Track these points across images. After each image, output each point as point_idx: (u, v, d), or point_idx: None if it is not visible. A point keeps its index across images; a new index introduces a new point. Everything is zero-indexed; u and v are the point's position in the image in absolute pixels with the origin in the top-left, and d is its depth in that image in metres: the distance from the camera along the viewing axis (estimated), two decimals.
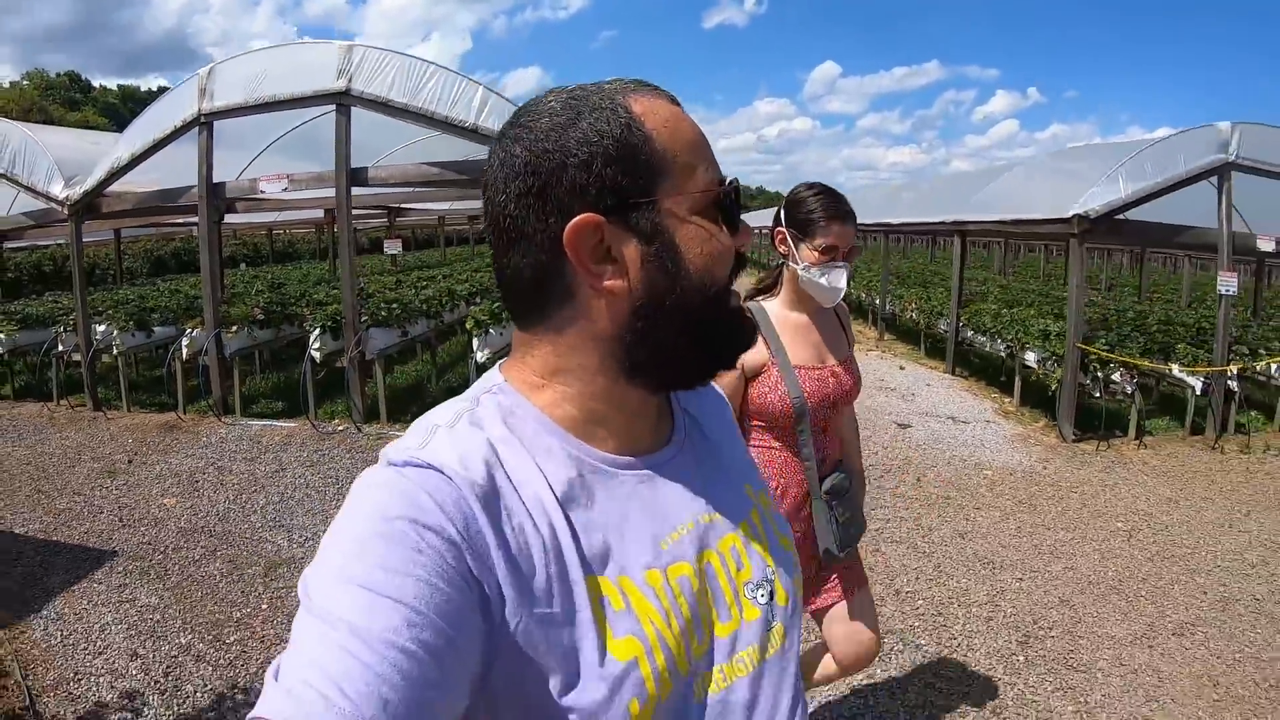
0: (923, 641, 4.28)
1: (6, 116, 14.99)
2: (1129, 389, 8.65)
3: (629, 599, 0.85)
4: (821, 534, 2.59)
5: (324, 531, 3.07)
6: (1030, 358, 9.84)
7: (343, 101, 7.50)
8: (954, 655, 4.19)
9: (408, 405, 8.43)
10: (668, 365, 0.92)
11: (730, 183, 0.94)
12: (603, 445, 0.93)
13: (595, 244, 0.87)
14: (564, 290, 0.89)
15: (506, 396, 0.93)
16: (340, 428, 7.59)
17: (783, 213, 2.59)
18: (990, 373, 11.88)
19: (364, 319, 8.04)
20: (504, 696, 0.78)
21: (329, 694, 0.62)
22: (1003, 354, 10.99)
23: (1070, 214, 8.59)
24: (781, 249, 2.57)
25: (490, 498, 0.80)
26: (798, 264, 2.52)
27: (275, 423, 7.78)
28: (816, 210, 2.49)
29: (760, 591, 0.99)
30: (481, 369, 7.81)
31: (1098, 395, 9.00)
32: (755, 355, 2.52)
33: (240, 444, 7.09)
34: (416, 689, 0.65)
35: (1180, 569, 5.27)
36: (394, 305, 9.01)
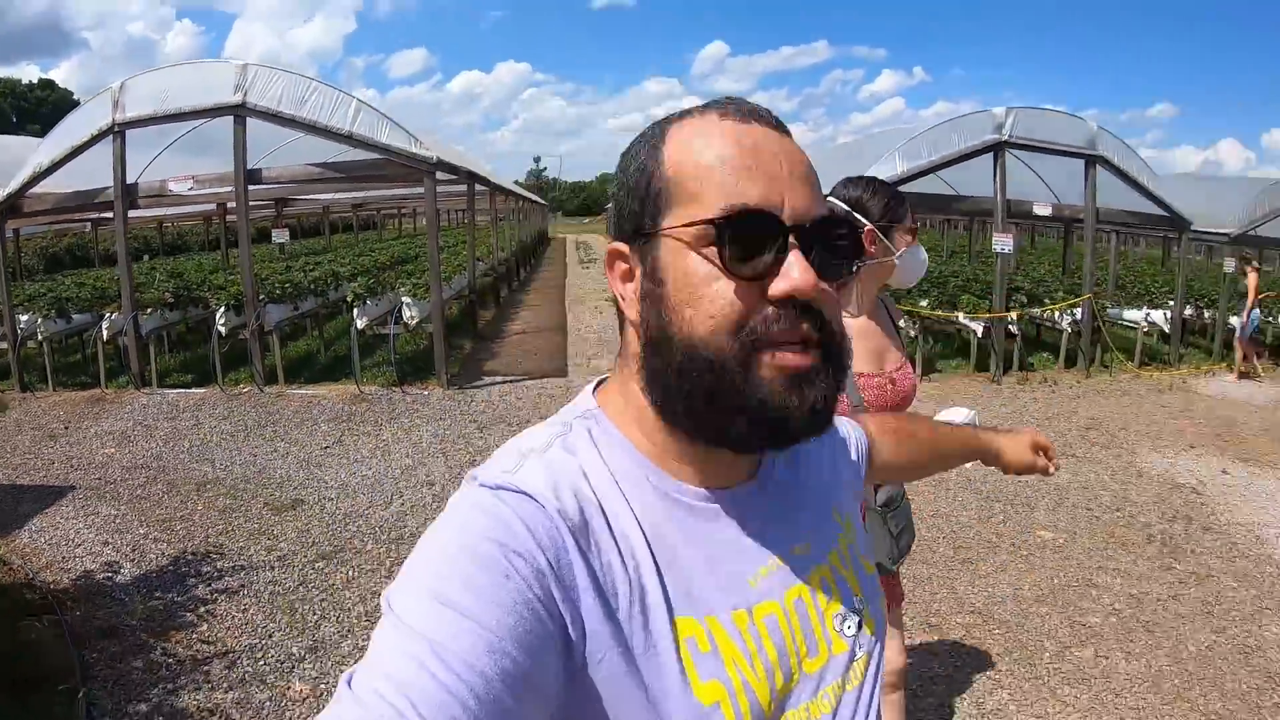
0: None
1: None
2: (912, 333, 10.42)
3: (715, 640, 0.80)
4: (877, 547, 2.48)
5: (248, 465, 4.39)
6: None
7: (239, 113, 8.47)
8: None
9: (301, 370, 9.47)
10: (678, 418, 0.83)
11: (738, 211, 0.76)
12: (686, 478, 0.86)
13: (622, 270, 0.86)
14: (615, 296, 0.88)
15: (598, 424, 0.88)
16: (245, 390, 8.56)
17: (867, 210, 2.45)
18: None
19: (261, 297, 9.00)
20: None
21: (402, 708, 0.61)
22: None
23: None
24: (872, 247, 2.44)
25: (581, 529, 0.77)
26: (894, 253, 2.44)
27: (189, 390, 8.70)
28: (892, 200, 2.47)
29: (848, 623, 0.93)
30: (362, 334, 9.08)
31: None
32: None
33: (161, 408, 8.00)
34: (490, 713, 0.63)
35: None
36: (286, 285, 9.98)
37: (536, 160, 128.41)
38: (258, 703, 3.39)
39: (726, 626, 0.82)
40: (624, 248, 0.86)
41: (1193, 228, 13.60)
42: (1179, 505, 6.25)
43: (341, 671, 3.47)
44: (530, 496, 0.76)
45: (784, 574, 0.89)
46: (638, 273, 0.84)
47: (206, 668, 3.56)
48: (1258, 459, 7.75)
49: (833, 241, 0.82)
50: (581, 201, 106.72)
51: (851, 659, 0.91)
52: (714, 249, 0.77)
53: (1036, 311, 11.33)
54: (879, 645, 0.97)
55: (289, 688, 3.45)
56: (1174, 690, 3.87)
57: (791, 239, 0.77)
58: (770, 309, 0.77)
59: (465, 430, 7.28)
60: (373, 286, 9.99)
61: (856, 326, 2.43)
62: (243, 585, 4.31)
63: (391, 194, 21.78)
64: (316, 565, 4.56)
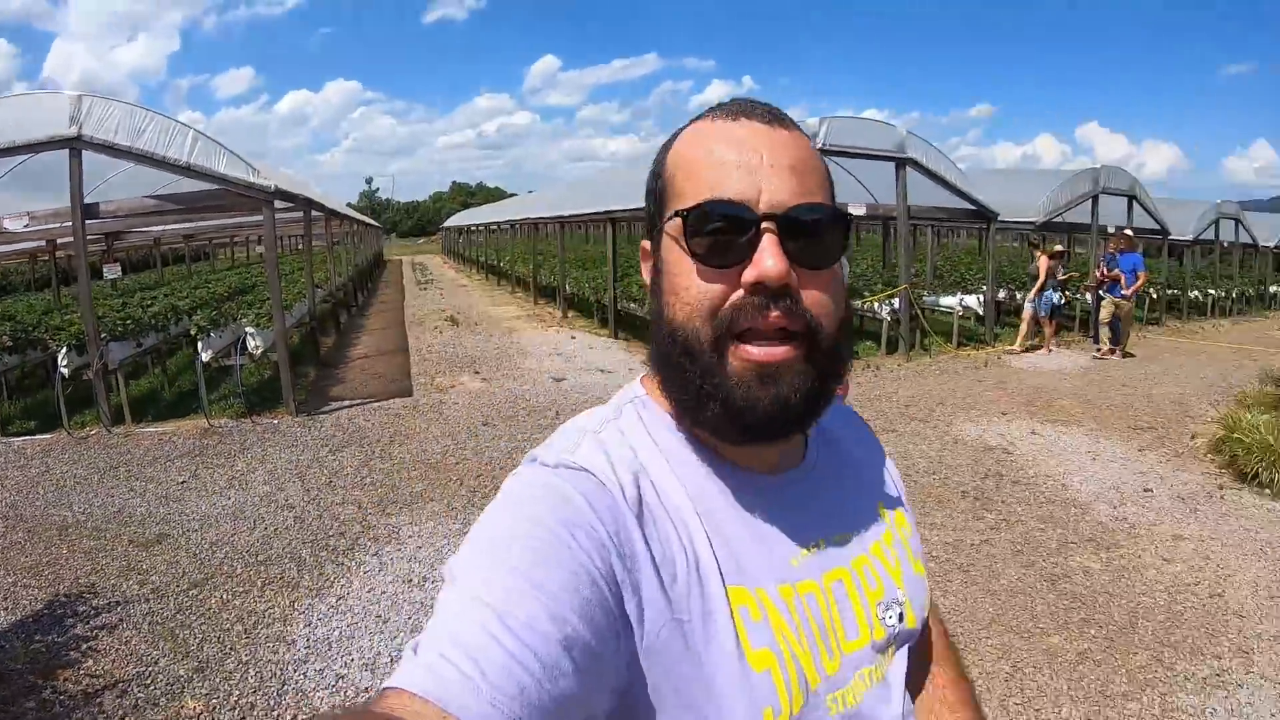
0: None
1: None
2: None
3: (766, 610, 0.85)
4: None
5: (106, 506, 4.59)
6: None
7: (75, 145, 8.21)
8: None
9: (147, 407, 9.33)
10: (674, 399, 0.90)
11: (703, 201, 0.83)
12: (737, 461, 0.92)
13: (650, 263, 0.94)
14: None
15: (646, 408, 0.94)
16: (93, 431, 8.43)
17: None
18: (642, 332, 13.87)
19: (103, 335, 8.82)
20: (644, 700, 0.77)
21: (469, 672, 0.63)
22: (647, 315, 13.27)
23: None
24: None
25: (637, 503, 0.81)
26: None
27: (34, 436, 8.46)
28: None
29: (890, 613, 0.97)
30: (207, 367, 9.04)
31: None
32: None
33: (8, 457, 7.73)
34: (553, 679, 0.65)
35: None
36: (128, 321, 9.77)
37: (369, 181, 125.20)
38: None
39: (774, 599, 0.86)
40: (647, 244, 0.95)
41: (1000, 218, 15.25)
42: (990, 465, 7.14)
43: (230, 686, 3.78)
44: (589, 472, 0.81)
45: (824, 557, 0.94)
46: (654, 266, 0.92)
47: (99, 700, 3.70)
48: (1064, 420, 8.94)
49: (815, 231, 0.84)
50: (415, 221, 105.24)
51: (888, 646, 0.96)
52: (692, 241, 0.83)
53: (857, 303, 12.23)
54: (919, 639, 1.04)
55: (183, 706, 3.66)
56: (988, 616, 4.52)
57: (765, 225, 0.81)
58: (741, 296, 0.82)
59: (319, 454, 7.44)
60: (215, 318, 9.93)
61: None
62: (121, 620, 4.42)
63: (225, 223, 21.36)
64: (190, 593, 4.70)
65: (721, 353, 0.83)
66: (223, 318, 10.43)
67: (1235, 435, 7.87)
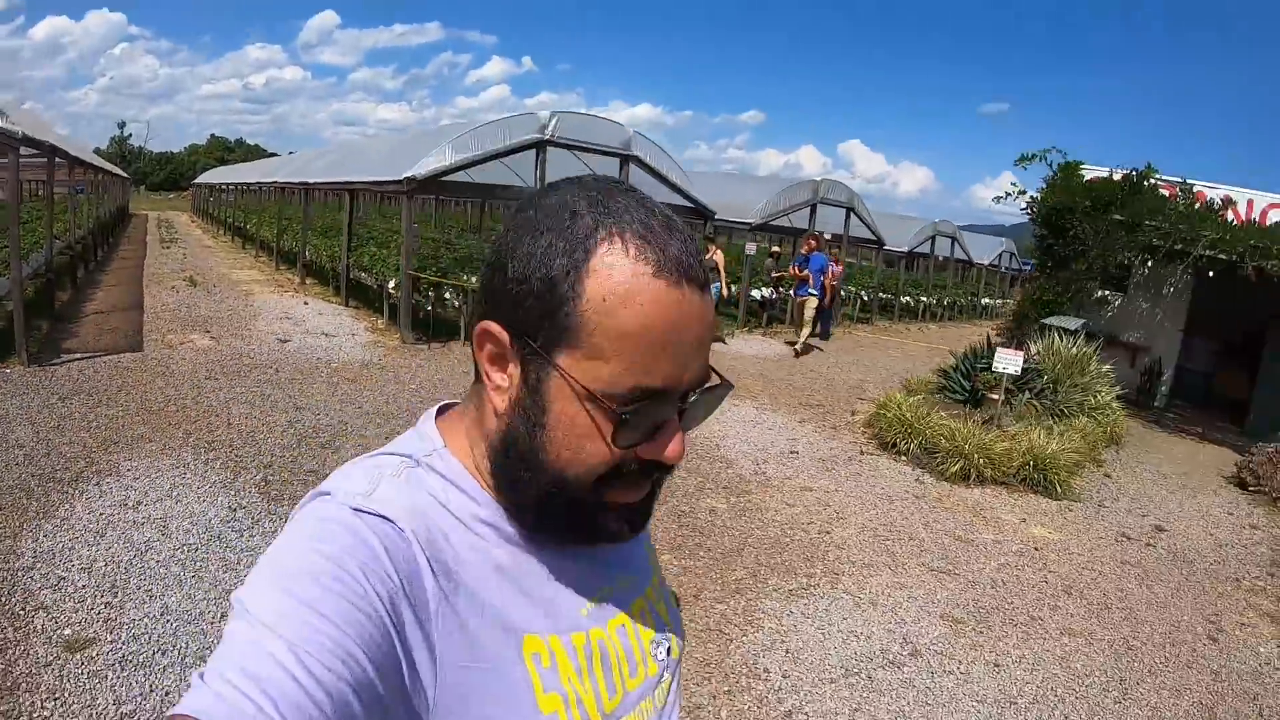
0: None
1: None
2: (457, 304, 12.41)
3: (555, 657, 0.89)
4: None
5: None
6: (392, 286, 13.10)
7: None
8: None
9: None
10: (518, 511, 0.91)
11: (642, 397, 0.81)
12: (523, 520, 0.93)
13: (495, 352, 0.87)
14: (481, 370, 0.90)
15: (445, 462, 0.92)
16: None
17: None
18: (374, 301, 14.88)
19: None
20: None
21: (262, 705, 0.62)
22: (375, 285, 14.23)
23: (403, 176, 11.90)
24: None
25: (435, 554, 0.82)
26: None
27: None
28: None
29: (660, 649, 1.03)
30: None
31: (441, 311, 12.76)
32: None
33: None
34: (341, 718, 0.66)
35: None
36: None
37: (121, 126, 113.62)
38: None
39: (565, 646, 0.90)
40: (502, 335, 0.85)
41: (717, 217, 17.12)
42: None
43: None
44: (389, 520, 0.80)
45: (613, 603, 0.99)
46: (514, 375, 0.86)
47: None
48: (742, 395, 10.73)
49: (706, 403, 0.89)
50: (168, 174, 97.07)
51: (660, 679, 1.02)
52: (605, 414, 0.81)
53: None
54: (678, 668, 1.09)
55: None
56: None
57: (679, 410, 0.85)
58: (636, 466, 0.86)
59: (49, 401, 7.92)
60: None
61: None
62: None
63: None
64: None
65: (599, 499, 0.87)
66: None
67: (881, 412, 9.71)
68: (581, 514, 0.88)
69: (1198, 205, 13.93)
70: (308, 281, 18.70)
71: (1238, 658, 5.32)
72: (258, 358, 10.55)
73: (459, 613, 0.83)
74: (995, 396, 9.82)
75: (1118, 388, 11.87)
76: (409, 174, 11.85)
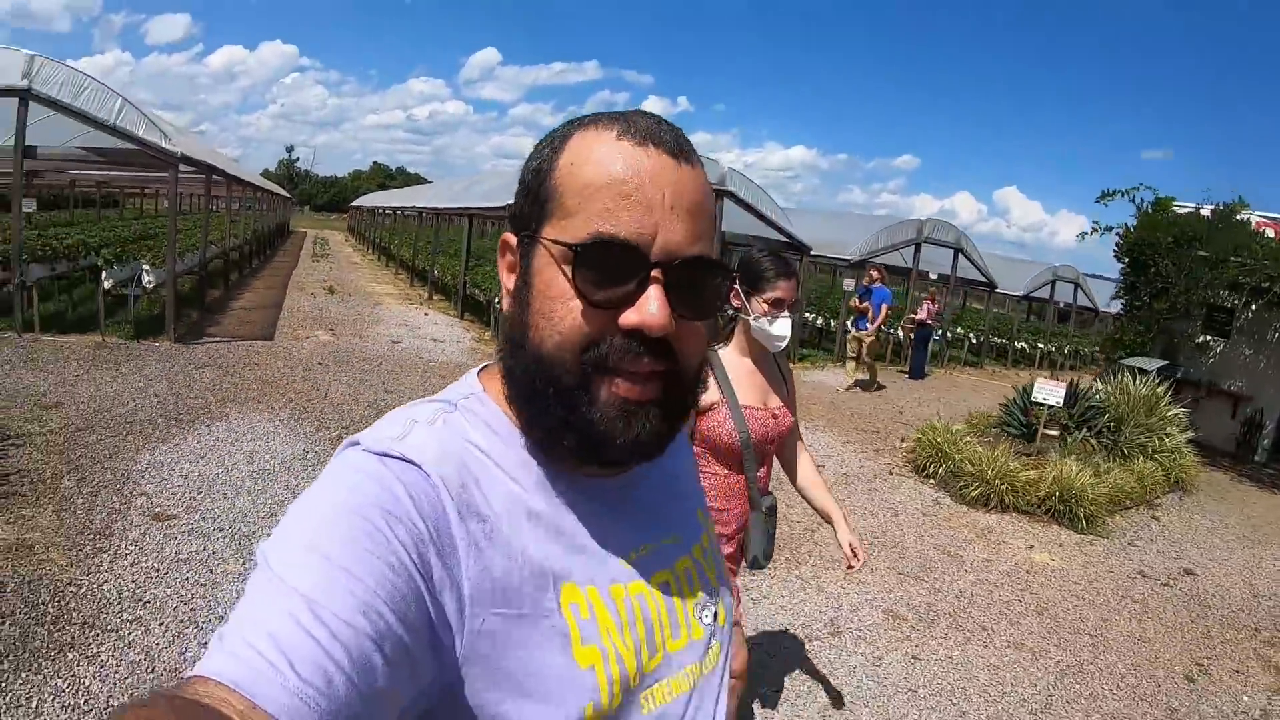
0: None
1: None
2: None
3: (594, 609, 0.85)
4: (755, 544, 2.81)
5: (16, 384, 7.12)
6: (498, 300, 14.19)
7: (25, 97, 9.71)
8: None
9: (53, 324, 11.00)
10: (522, 414, 0.88)
11: (600, 241, 0.79)
12: (563, 462, 0.89)
13: (509, 260, 0.90)
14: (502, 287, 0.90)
15: (482, 404, 0.91)
16: (5, 335, 10.07)
17: (738, 271, 2.79)
18: (484, 315, 16.18)
19: (24, 257, 10.51)
20: (463, 695, 0.77)
21: (278, 664, 0.61)
22: (485, 301, 15.60)
23: (503, 204, 12.96)
24: (735, 302, 2.73)
25: (463, 498, 0.79)
26: (749, 314, 2.71)
27: None
28: (769, 269, 2.72)
29: (706, 612, 1.00)
30: (108, 294, 10.82)
31: None
32: (707, 394, 2.62)
33: None
34: (363, 674, 0.64)
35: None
36: (47, 248, 11.57)
37: (289, 150, 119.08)
38: None
39: (604, 598, 0.87)
40: (513, 240, 0.89)
41: (813, 252, 17.22)
42: None
43: (93, 478, 5.89)
44: (415, 464, 0.78)
45: (654, 559, 0.95)
46: (517, 270, 0.88)
47: (10, 479, 5.74)
48: (803, 417, 11.00)
49: (700, 282, 0.83)
50: (331, 196, 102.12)
51: (708, 645, 0.99)
52: (575, 271, 0.79)
53: None
54: (730, 635, 1.05)
55: (60, 483, 5.82)
56: None
57: (655, 273, 0.79)
58: (619, 338, 0.80)
59: (185, 369, 9.40)
60: (119, 254, 11.65)
61: (744, 366, 2.81)
62: (26, 444, 6.33)
63: (138, 175, 22.78)
64: (75, 435, 6.64)
65: (588, 387, 0.81)
66: (125, 255, 12.08)
67: (920, 438, 9.72)
68: (574, 408, 0.82)
69: None
70: (434, 297, 20.32)
71: (1210, 701, 4.99)
72: (368, 352, 11.89)
73: (490, 558, 0.79)
74: (1052, 432, 9.77)
75: (1196, 433, 11.18)
76: (508, 202, 12.82)
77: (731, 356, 2.82)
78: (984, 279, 22.43)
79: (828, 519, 2.99)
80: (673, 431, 0.88)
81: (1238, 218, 13.29)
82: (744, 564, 2.89)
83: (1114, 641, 5.62)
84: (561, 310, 0.81)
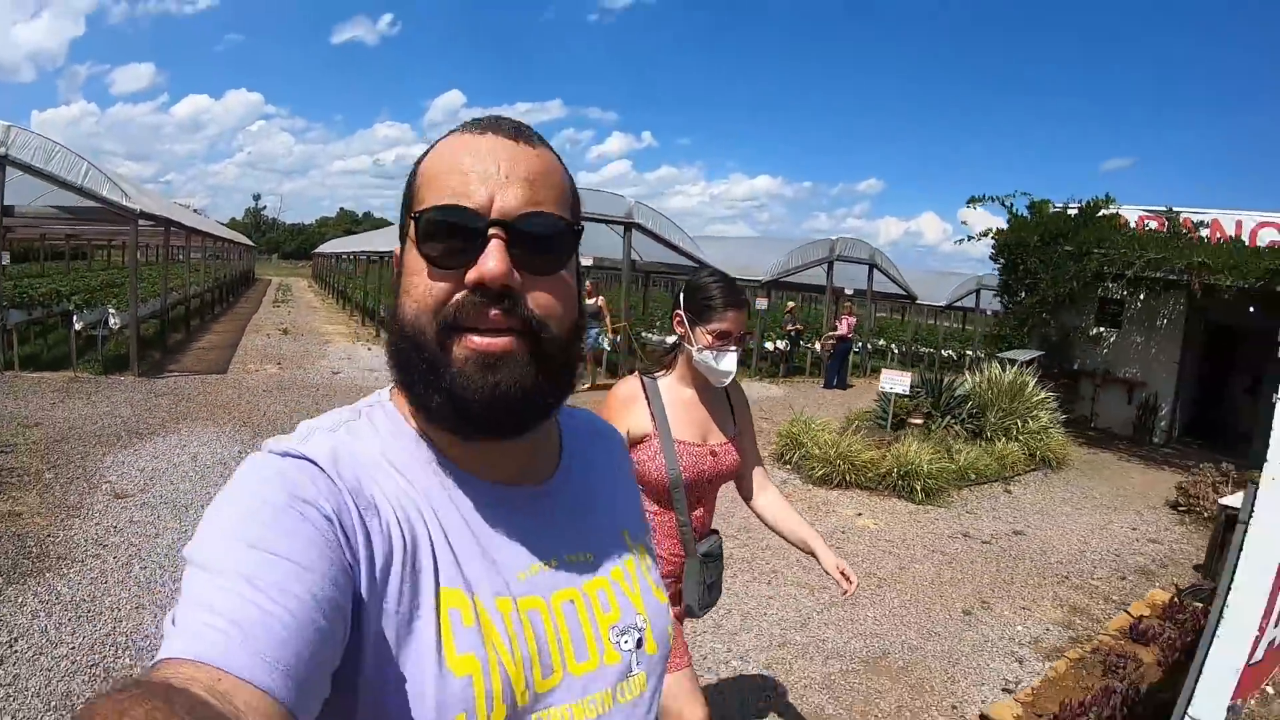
0: None
1: None
2: None
3: (479, 617, 0.83)
4: (688, 591, 2.62)
5: (1, 409, 8.42)
6: None
7: (1, 162, 11.01)
8: None
9: (29, 363, 12.32)
10: (406, 395, 0.90)
11: (428, 210, 0.84)
12: (473, 470, 0.91)
13: (397, 271, 0.91)
14: None
15: (386, 414, 0.93)
16: None
17: (682, 296, 2.58)
18: None
19: (4, 304, 11.78)
20: (355, 680, 0.77)
21: (230, 632, 0.63)
22: None
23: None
24: (679, 330, 2.56)
25: (358, 496, 0.81)
26: (693, 345, 2.51)
27: None
28: (716, 297, 2.49)
29: (626, 638, 0.96)
30: (79, 335, 12.19)
31: None
32: (639, 424, 2.52)
33: None
34: (309, 632, 0.67)
35: None
36: (25, 294, 12.95)
37: (256, 198, 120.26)
38: None
39: (489, 609, 0.84)
40: (398, 250, 0.91)
41: (918, 300, 18.94)
42: None
43: (71, 479, 7.28)
44: (313, 462, 0.80)
45: (555, 576, 0.92)
46: (397, 270, 0.91)
47: (0, 474, 7.23)
48: None
49: (543, 239, 0.85)
50: (299, 244, 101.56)
51: (626, 673, 0.95)
52: (423, 245, 0.84)
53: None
54: (661, 668, 1.02)
55: (41, 477, 7.22)
56: None
57: (493, 231, 0.82)
58: (464, 294, 0.83)
59: (147, 396, 10.82)
60: (88, 300, 13.07)
61: (685, 397, 2.60)
62: (11, 452, 7.70)
63: (104, 229, 24.10)
64: (53, 444, 8.02)
65: (445, 345, 0.83)
66: (94, 300, 13.47)
67: (781, 432, 10.34)
68: (436, 367, 0.84)
69: (1185, 231, 13.76)
70: (380, 334, 21.39)
71: (979, 630, 5.49)
72: (309, 381, 13.33)
73: (380, 556, 0.79)
74: (917, 421, 10.70)
75: (1096, 419, 12.25)
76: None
77: (672, 386, 2.62)
78: (903, 292, 23.24)
79: (808, 550, 2.76)
80: (544, 393, 0.88)
81: (1102, 213, 14.25)
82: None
83: (903, 584, 6.28)
84: (417, 281, 0.84)
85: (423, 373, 0.85)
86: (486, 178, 0.84)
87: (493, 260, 0.81)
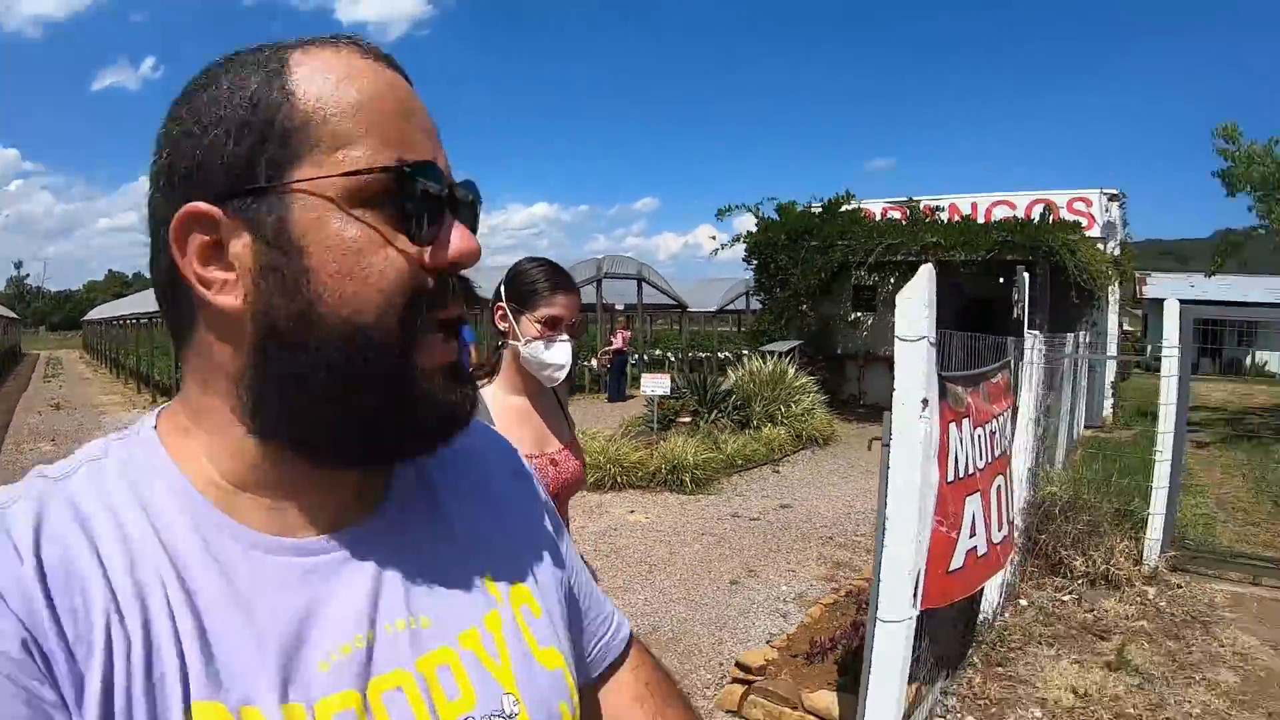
0: None
1: None
2: None
3: None
4: None
5: None
6: None
7: None
8: None
9: None
10: (309, 437, 0.62)
11: (415, 166, 0.61)
12: (257, 520, 0.63)
13: (204, 243, 0.59)
14: (189, 304, 0.62)
15: (143, 448, 0.64)
16: None
17: (503, 287, 2.20)
18: None
19: None
20: None
21: None
22: None
23: None
24: (502, 325, 2.18)
25: (68, 584, 0.54)
26: (519, 339, 2.13)
27: None
28: (540, 280, 2.16)
29: None
30: None
31: None
32: None
33: None
34: None
35: None
36: None
37: (18, 266, 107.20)
38: None
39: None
40: (211, 211, 0.59)
41: (690, 309, 24.17)
42: None
43: None
44: (9, 539, 0.54)
45: (377, 655, 0.64)
46: (243, 244, 0.59)
47: None
48: None
49: (477, 215, 0.69)
50: (67, 313, 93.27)
51: None
52: (380, 210, 0.60)
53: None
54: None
55: None
56: None
57: (451, 201, 0.65)
58: (433, 282, 0.63)
59: None
60: None
61: (516, 406, 2.21)
62: None
63: None
64: None
65: (407, 353, 0.61)
66: None
67: None
68: (404, 371, 0.61)
69: (925, 217, 14.49)
70: (158, 399, 20.21)
71: (745, 595, 5.80)
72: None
73: (91, 664, 0.52)
74: (685, 419, 11.06)
75: (820, 394, 12.69)
76: None
77: (499, 395, 2.22)
78: (674, 301, 24.01)
79: None
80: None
81: (845, 208, 15.05)
82: None
83: (673, 567, 6.47)
84: (374, 261, 0.59)
85: (392, 387, 0.62)
86: (429, 131, 0.66)
87: (467, 236, 0.65)
